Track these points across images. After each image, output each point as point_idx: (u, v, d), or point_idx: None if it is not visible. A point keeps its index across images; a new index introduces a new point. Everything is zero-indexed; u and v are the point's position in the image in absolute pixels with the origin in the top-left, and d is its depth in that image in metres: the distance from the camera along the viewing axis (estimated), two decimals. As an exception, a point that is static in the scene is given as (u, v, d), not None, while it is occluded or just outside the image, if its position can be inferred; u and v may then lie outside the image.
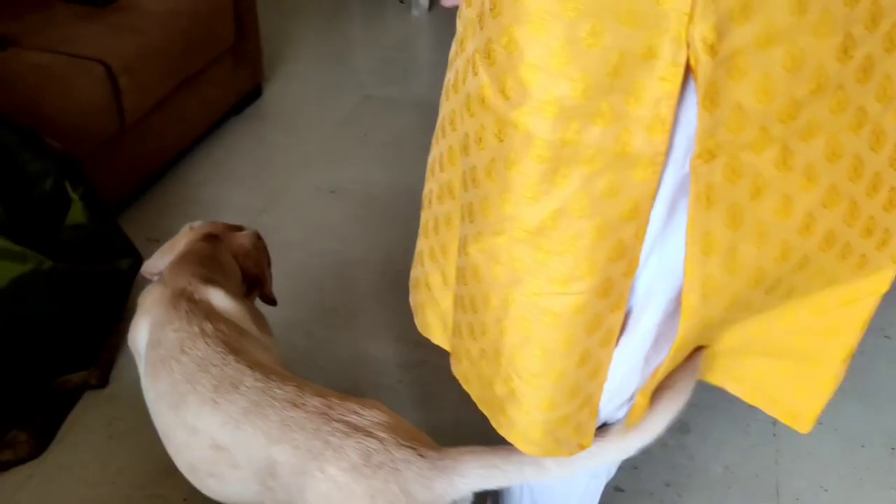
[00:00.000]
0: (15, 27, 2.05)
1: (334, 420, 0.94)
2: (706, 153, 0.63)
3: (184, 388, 1.01)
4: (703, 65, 0.59)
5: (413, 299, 1.04)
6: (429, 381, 1.69)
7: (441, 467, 0.91)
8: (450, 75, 0.82)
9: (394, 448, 0.92)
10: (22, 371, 1.49)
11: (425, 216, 0.95)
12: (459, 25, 0.78)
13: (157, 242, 2.03)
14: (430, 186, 0.92)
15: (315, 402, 0.97)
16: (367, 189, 2.32)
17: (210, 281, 1.14)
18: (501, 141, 0.69)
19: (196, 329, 1.06)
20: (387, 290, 1.94)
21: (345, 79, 2.96)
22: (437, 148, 0.89)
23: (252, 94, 2.72)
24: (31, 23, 2.08)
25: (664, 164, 0.65)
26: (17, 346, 1.45)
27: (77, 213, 1.60)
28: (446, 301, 0.93)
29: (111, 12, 2.16)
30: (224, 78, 2.49)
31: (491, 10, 0.65)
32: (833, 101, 0.63)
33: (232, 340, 1.06)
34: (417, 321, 1.03)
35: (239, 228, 1.32)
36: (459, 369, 0.92)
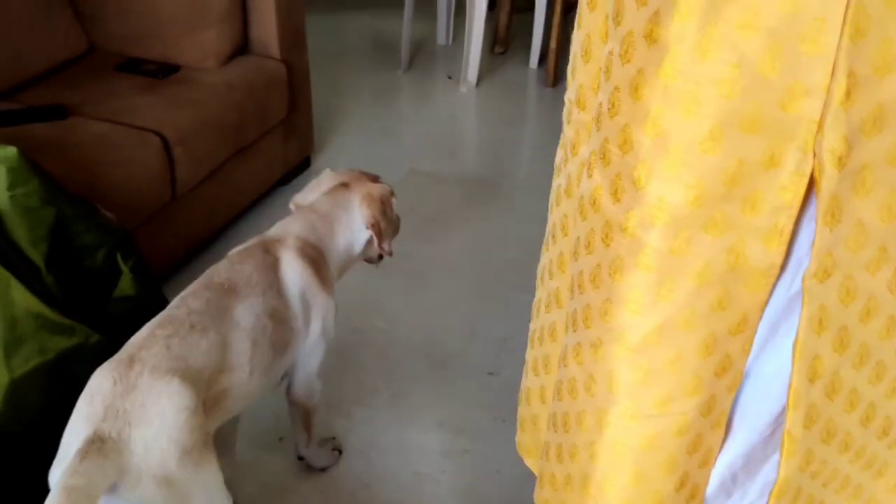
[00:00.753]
0: (76, 97, 2.10)
1: None
2: (822, 271, 0.60)
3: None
4: (827, 177, 0.56)
5: (519, 413, 1.01)
6: (473, 473, 1.62)
7: None
8: (560, 181, 0.80)
9: None
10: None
11: (533, 325, 0.92)
12: (570, 130, 0.76)
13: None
14: (540, 295, 0.90)
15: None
16: (411, 264, 2.30)
17: (298, 247, 1.42)
18: (608, 246, 0.66)
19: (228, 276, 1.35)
20: (430, 373, 1.90)
21: (392, 152, 2.99)
22: (547, 255, 0.87)
23: (301, 165, 2.75)
24: (92, 93, 2.12)
25: (778, 277, 0.61)
26: (61, 419, 1.43)
27: (126, 285, 1.60)
28: (543, 419, 0.89)
29: (170, 84, 2.21)
30: (275, 149, 2.52)
31: (609, 109, 0.63)
32: None
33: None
34: (517, 437, 1.00)
35: (375, 179, 1.58)
36: (541, 496, 0.88)
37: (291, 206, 1.60)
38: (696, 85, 0.57)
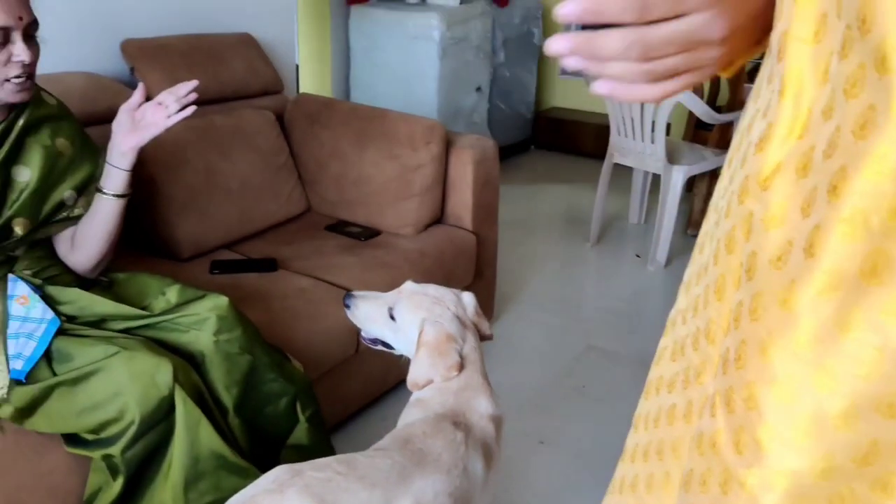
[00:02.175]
0: (288, 251, 2.34)
1: None
2: None
3: None
4: None
5: None
6: None
7: None
8: (675, 399, 0.79)
9: None
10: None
11: None
12: (696, 357, 0.75)
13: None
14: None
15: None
16: (577, 445, 2.26)
17: (482, 427, 1.42)
18: (725, 494, 0.64)
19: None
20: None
21: (571, 326, 3.01)
22: (647, 467, 0.84)
23: (479, 330, 2.83)
24: (302, 249, 2.36)
25: None
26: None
27: (301, 434, 1.70)
28: None
29: (370, 247, 2.41)
30: (456, 314, 2.63)
31: (735, 360, 0.63)
32: None
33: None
34: None
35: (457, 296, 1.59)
36: None
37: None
38: (831, 360, 0.56)
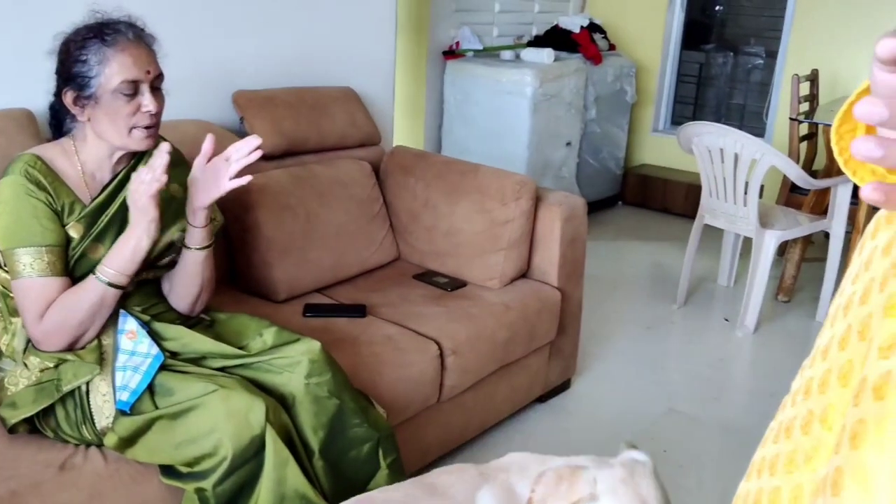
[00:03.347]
0: (377, 298, 2.41)
1: None
2: None
3: None
4: None
5: None
6: None
7: None
8: (777, 482, 0.79)
9: None
10: None
11: None
12: (806, 441, 0.75)
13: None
14: None
15: None
16: (656, 512, 2.21)
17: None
18: None
19: None
20: None
21: (653, 388, 2.96)
22: None
23: (561, 386, 2.83)
24: (390, 296, 2.43)
25: None
26: None
27: (381, 480, 1.74)
28: None
29: (455, 298, 2.46)
30: (538, 369, 2.64)
31: (836, 446, 0.63)
32: None
33: None
34: None
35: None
36: None
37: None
38: None
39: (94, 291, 1.58)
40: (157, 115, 1.64)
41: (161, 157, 1.55)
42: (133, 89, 1.58)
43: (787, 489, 0.78)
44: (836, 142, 0.68)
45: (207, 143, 1.67)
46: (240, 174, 1.64)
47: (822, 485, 0.65)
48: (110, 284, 1.59)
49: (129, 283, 1.63)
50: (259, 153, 1.65)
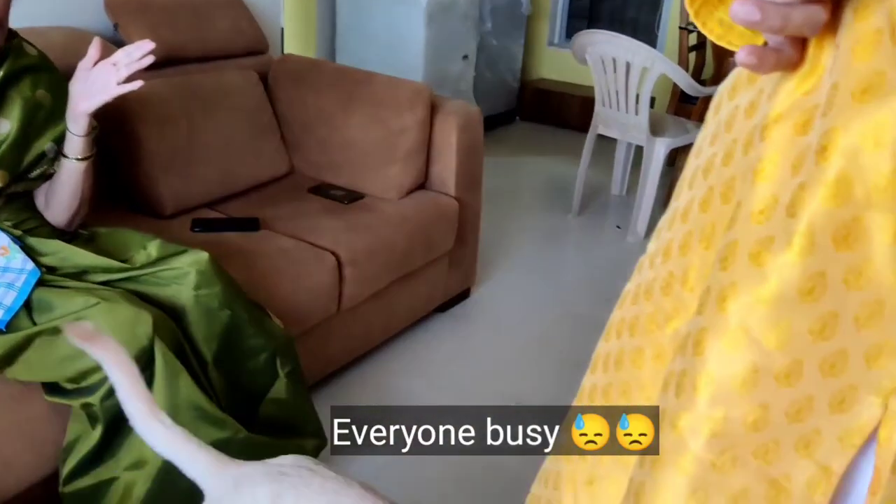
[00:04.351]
0: (271, 212, 2.34)
1: None
2: None
3: None
4: None
5: None
6: None
7: None
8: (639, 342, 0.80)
9: None
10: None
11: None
12: (667, 303, 0.75)
13: (345, 426, 2.09)
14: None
15: None
16: (553, 405, 2.30)
17: None
18: (670, 436, 0.66)
19: None
20: None
21: (550, 294, 3.04)
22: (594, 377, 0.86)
23: (461, 295, 2.86)
24: (285, 210, 2.37)
25: None
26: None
27: (280, 389, 1.73)
28: None
29: (352, 210, 2.42)
30: (438, 278, 2.65)
31: (699, 306, 0.64)
32: None
33: None
34: None
35: None
36: None
37: None
38: (788, 320, 0.56)
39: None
40: None
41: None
42: None
43: (649, 349, 0.80)
44: (694, 12, 0.67)
45: (94, 49, 1.55)
46: (128, 80, 1.54)
47: (683, 343, 0.66)
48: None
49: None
50: (151, 59, 1.55)
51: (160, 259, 1.64)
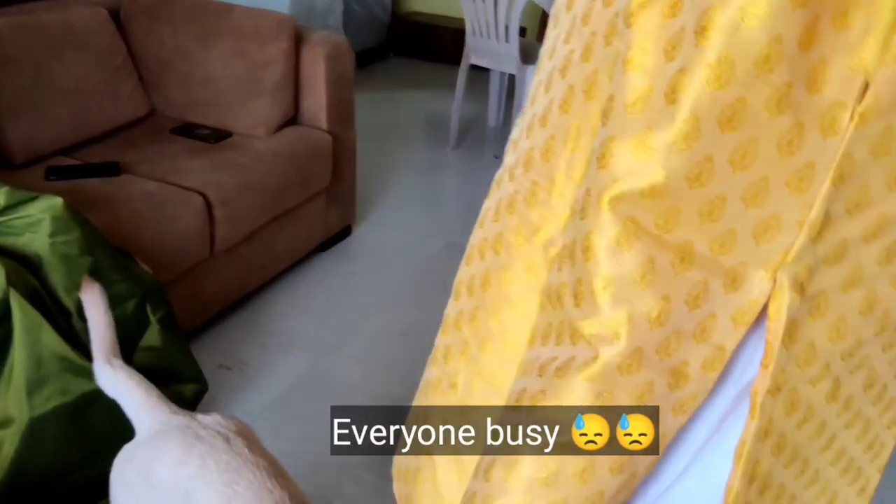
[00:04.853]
0: (132, 156, 2.22)
1: None
2: (775, 388, 0.61)
3: None
4: (789, 303, 0.57)
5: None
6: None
7: None
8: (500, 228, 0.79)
9: None
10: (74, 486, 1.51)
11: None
12: (533, 214, 0.74)
13: (228, 370, 2.07)
14: (448, 342, 0.88)
15: None
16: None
17: None
18: (574, 345, 0.66)
19: None
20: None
21: (432, 226, 3.06)
22: (478, 329, 0.86)
23: (341, 233, 2.83)
24: (148, 153, 2.25)
25: (707, 395, 0.63)
26: (72, 464, 1.48)
27: (152, 336, 1.66)
28: None
29: (220, 149, 2.33)
30: (316, 216, 2.61)
31: (580, 210, 0.64)
32: (886, 340, 0.62)
33: None
34: None
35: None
36: None
37: None
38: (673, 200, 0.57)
39: None
40: None
41: None
42: None
43: (519, 262, 0.79)
44: None
45: None
46: None
47: (570, 251, 0.65)
48: None
49: None
50: None
51: (9, 207, 1.53)
